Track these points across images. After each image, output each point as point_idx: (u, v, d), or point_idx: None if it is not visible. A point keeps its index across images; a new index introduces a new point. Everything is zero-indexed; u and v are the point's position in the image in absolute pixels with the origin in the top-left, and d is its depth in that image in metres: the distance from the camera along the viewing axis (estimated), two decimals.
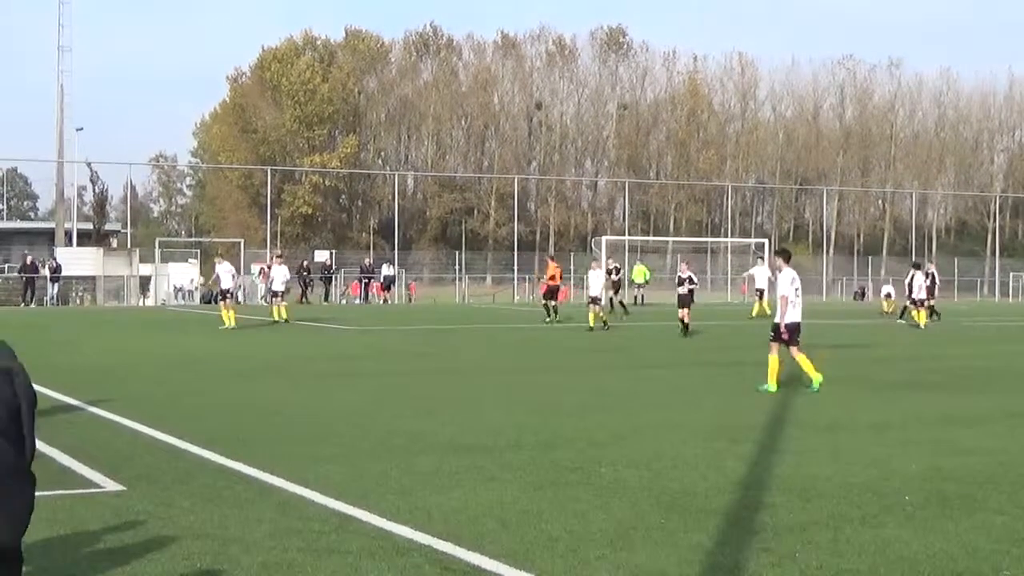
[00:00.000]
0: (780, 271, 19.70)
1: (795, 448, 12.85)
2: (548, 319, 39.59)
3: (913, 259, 59.61)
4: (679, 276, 35.74)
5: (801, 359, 19.28)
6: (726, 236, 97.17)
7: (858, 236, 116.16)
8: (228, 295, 38.20)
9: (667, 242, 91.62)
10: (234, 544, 8.34)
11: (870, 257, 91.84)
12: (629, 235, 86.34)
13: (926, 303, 40.95)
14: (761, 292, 43.51)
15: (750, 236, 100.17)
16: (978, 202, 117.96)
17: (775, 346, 19.22)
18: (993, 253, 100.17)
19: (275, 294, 40.44)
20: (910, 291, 41.11)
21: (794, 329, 19.21)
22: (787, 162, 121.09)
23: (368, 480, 10.75)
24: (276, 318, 38.54)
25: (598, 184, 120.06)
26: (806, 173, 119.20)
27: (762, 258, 45.29)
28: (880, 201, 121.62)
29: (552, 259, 45.29)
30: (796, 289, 19.38)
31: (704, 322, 36.36)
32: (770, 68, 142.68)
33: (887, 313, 50.86)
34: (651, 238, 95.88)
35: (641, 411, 16.25)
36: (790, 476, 11.09)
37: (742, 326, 39.30)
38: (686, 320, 34.04)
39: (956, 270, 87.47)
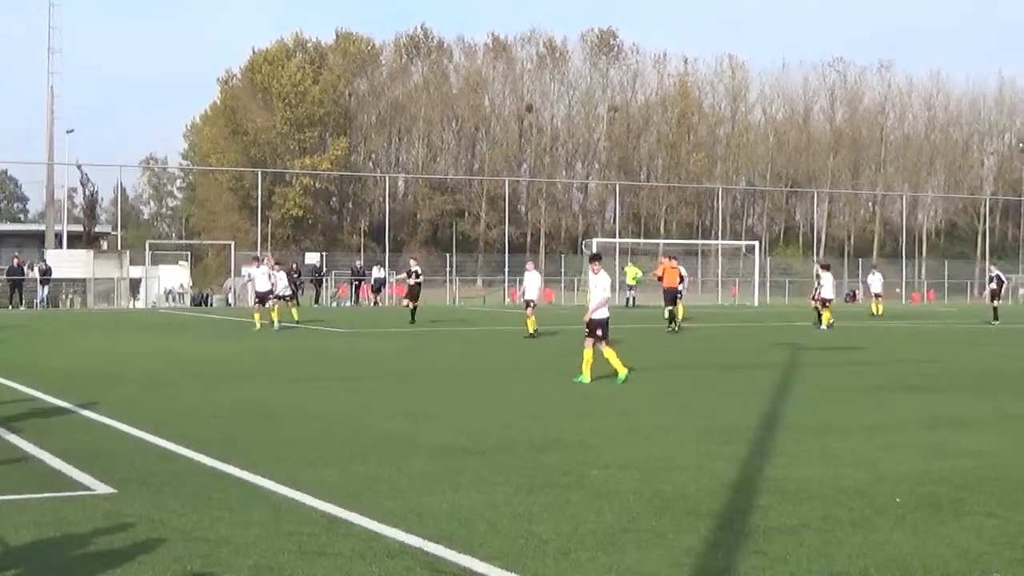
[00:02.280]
0: (596, 274, 21.40)
1: (786, 451, 12.87)
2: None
3: (873, 260, 59.97)
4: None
5: (588, 354, 20.77)
6: (717, 238, 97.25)
7: (848, 238, 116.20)
8: (269, 298, 38.46)
9: (658, 244, 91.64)
10: (225, 546, 8.34)
11: (860, 259, 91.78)
12: (620, 237, 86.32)
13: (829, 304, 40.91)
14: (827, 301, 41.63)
15: (741, 238, 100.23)
16: (968, 204, 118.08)
17: (590, 341, 20.78)
18: (983, 256, 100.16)
19: (259, 299, 38.97)
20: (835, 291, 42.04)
21: (600, 324, 20.80)
22: (777, 164, 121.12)
23: (359, 482, 10.75)
24: (258, 324, 37.12)
25: (589, 186, 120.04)
26: (796, 175, 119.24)
27: (826, 266, 44.22)
28: (870, 203, 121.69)
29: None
30: (605, 289, 21.12)
31: (695, 324, 36.35)
32: (760, 70, 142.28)
33: (877, 315, 50.86)
34: (642, 240, 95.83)
35: (633, 414, 16.26)
36: (782, 479, 11.11)
37: (732, 329, 39.33)
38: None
39: (946, 272, 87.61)
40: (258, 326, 36.98)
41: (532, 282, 35.09)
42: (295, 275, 63.90)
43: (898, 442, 13.60)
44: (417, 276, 41.83)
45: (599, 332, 20.80)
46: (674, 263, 38.24)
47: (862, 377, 22.53)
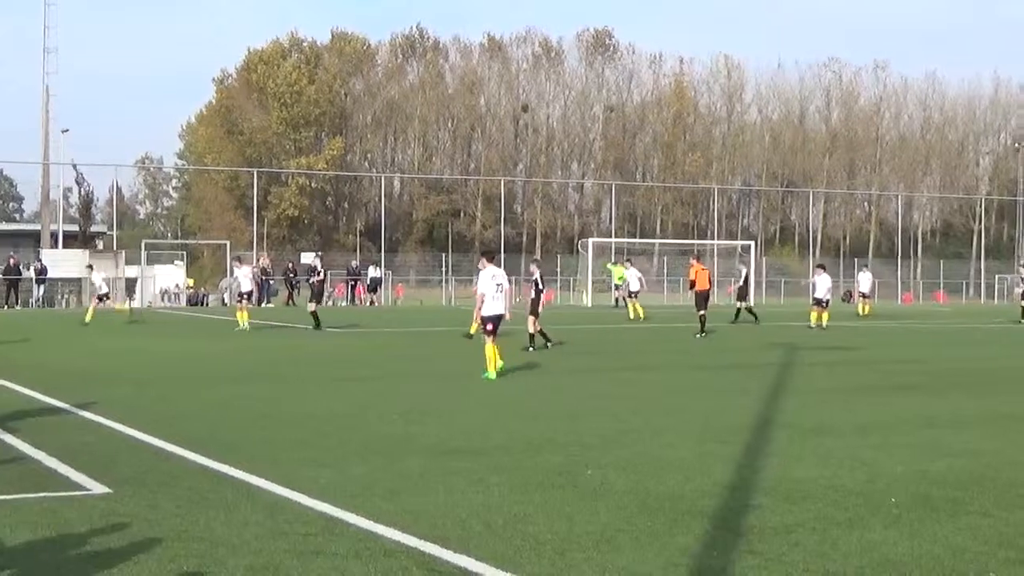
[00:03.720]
0: (483, 269, 22.14)
1: (782, 450, 12.87)
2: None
3: (859, 263, 59.84)
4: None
5: (489, 349, 21.41)
6: (712, 238, 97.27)
7: (844, 238, 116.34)
8: (246, 297, 38.69)
9: (654, 244, 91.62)
10: (221, 546, 8.34)
11: (856, 259, 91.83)
12: (615, 237, 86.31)
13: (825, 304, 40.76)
14: (820, 301, 41.39)
15: (736, 238, 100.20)
16: (963, 204, 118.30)
17: (489, 338, 21.49)
18: (979, 255, 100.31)
19: (242, 297, 38.83)
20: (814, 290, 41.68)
21: (494, 320, 21.51)
22: (773, 164, 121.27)
23: (355, 483, 10.75)
24: (241, 324, 36.81)
25: (584, 186, 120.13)
26: (792, 176, 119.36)
27: (822, 267, 44.29)
28: (866, 203, 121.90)
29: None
30: (498, 285, 21.73)
31: (691, 324, 36.29)
32: (756, 71, 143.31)
33: (862, 315, 50.79)
34: (637, 240, 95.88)
35: (628, 414, 16.26)
36: (777, 478, 11.11)
37: (727, 329, 39.35)
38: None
39: (942, 272, 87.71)
40: (242, 325, 36.81)
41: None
42: (291, 275, 64.12)
43: (893, 442, 13.61)
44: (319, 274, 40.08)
45: (489, 327, 21.49)
46: (703, 264, 37.86)
47: (857, 377, 22.54)
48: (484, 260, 22.56)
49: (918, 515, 9.59)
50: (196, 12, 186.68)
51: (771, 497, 10.20)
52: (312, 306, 37.56)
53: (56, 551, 8.22)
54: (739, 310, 43.50)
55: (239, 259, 43.30)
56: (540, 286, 29.91)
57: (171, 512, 9.41)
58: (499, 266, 22.76)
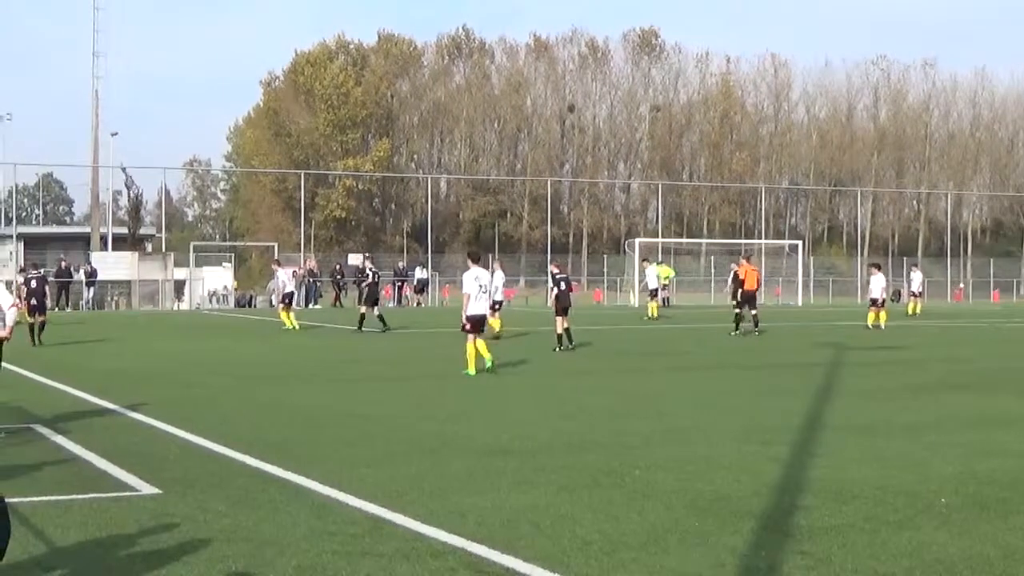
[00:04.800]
0: (467, 270, 22.51)
1: (829, 451, 12.80)
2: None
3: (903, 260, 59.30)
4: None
5: (470, 347, 22.01)
6: (760, 238, 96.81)
7: (892, 237, 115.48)
8: (289, 299, 39.10)
9: (700, 244, 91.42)
10: (269, 547, 8.37)
11: (905, 258, 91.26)
12: (663, 237, 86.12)
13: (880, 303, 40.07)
14: (875, 301, 40.72)
15: (784, 238, 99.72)
16: (1014, 202, 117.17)
17: (470, 336, 22.06)
18: None
19: (285, 299, 39.30)
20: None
21: (475, 320, 22.08)
22: (821, 163, 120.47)
23: (402, 483, 10.77)
24: (289, 324, 37.35)
25: (631, 186, 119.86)
26: (840, 174, 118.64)
27: (877, 266, 43.48)
28: (915, 202, 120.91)
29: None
30: (481, 286, 22.22)
31: (727, 324, 36.08)
32: (803, 69, 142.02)
33: (913, 314, 50.40)
34: (684, 240, 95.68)
35: (672, 414, 16.23)
36: (825, 479, 11.05)
37: (774, 328, 39.15)
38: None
39: (992, 271, 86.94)
40: (289, 325, 37.25)
41: (499, 282, 33.68)
42: (339, 276, 64.35)
43: (943, 442, 13.51)
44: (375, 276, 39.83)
45: (467, 327, 22.06)
46: (752, 265, 37.57)
47: (906, 376, 22.37)
48: (469, 261, 23.13)
49: (968, 515, 9.52)
50: (243, 15, 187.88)
51: (820, 497, 10.15)
52: (365, 309, 37.33)
53: (106, 551, 8.28)
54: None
55: (278, 262, 43.68)
56: (562, 286, 29.62)
57: (220, 512, 9.46)
58: (485, 268, 23.40)
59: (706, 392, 19.62)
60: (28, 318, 30.02)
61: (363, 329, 36.04)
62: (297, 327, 37.21)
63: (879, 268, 42.56)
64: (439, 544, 8.48)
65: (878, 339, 33.74)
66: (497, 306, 33.04)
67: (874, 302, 39.92)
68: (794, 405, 16.97)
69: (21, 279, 31.97)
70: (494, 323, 32.95)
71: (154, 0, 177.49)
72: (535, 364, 25.27)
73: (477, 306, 22.25)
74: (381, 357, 27.63)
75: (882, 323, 38.86)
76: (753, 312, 35.71)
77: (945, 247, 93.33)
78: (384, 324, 36.30)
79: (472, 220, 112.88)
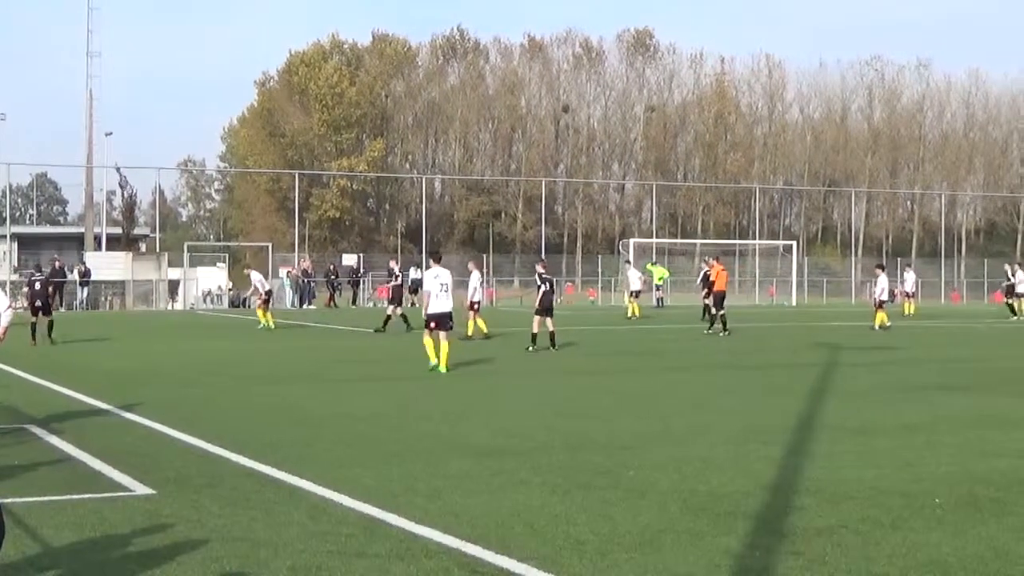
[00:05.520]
0: (428, 268, 23.40)
1: (824, 451, 12.80)
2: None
3: (883, 261, 59.27)
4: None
5: (443, 344, 22.66)
6: (754, 238, 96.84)
7: (887, 238, 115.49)
8: (267, 297, 39.58)
9: (695, 244, 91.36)
10: (263, 547, 8.37)
11: (899, 259, 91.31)
12: (657, 237, 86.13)
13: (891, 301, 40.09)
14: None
15: (778, 238, 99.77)
16: (1008, 203, 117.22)
17: (426, 332, 22.96)
18: (1023, 255, 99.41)
19: (264, 298, 39.65)
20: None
21: (438, 318, 22.70)
22: (815, 164, 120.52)
23: (396, 483, 10.77)
24: (266, 323, 38.06)
25: (625, 187, 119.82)
26: (834, 175, 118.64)
27: (881, 267, 43.52)
28: (909, 203, 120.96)
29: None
30: (442, 285, 22.94)
31: (735, 325, 36.10)
32: (797, 70, 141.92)
33: (908, 315, 50.41)
34: (679, 240, 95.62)
35: (668, 414, 16.23)
36: (819, 479, 11.06)
37: (769, 329, 39.17)
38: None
39: (986, 272, 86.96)
40: (264, 323, 37.98)
41: (475, 283, 34.42)
42: (333, 276, 64.32)
43: (937, 442, 13.52)
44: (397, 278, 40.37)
45: (432, 324, 22.79)
46: (722, 265, 37.65)
47: (900, 377, 22.38)
48: (431, 260, 24.06)
49: (962, 516, 9.53)
50: (238, 15, 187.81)
51: (814, 498, 10.16)
52: (392, 309, 37.92)
53: (100, 551, 8.28)
54: (706, 307, 40.30)
55: (249, 267, 44.54)
56: (547, 286, 29.60)
57: (214, 513, 9.46)
58: (446, 267, 23.87)
59: (701, 392, 19.62)
60: (32, 318, 30.48)
61: (385, 329, 36.08)
62: (273, 326, 37.76)
63: (883, 269, 42.65)
64: (433, 544, 8.48)
65: (874, 339, 33.75)
66: (476, 306, 33.26)
67: (882, 303, 39.92)
68: (788, 405, 16.97)
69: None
70: (481, 324, 33.12)
71: (149, 0, 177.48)
72: (529, 364, 25.29)
73: (438, 304, 22.81)
74: (375, 358, 27.63)
75: (876, 324, 38.80)
76: (721, 313, 35.70)
77: (939, 247, 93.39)
78: (407, 323, 36.33)
79: (467, 220, 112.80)
